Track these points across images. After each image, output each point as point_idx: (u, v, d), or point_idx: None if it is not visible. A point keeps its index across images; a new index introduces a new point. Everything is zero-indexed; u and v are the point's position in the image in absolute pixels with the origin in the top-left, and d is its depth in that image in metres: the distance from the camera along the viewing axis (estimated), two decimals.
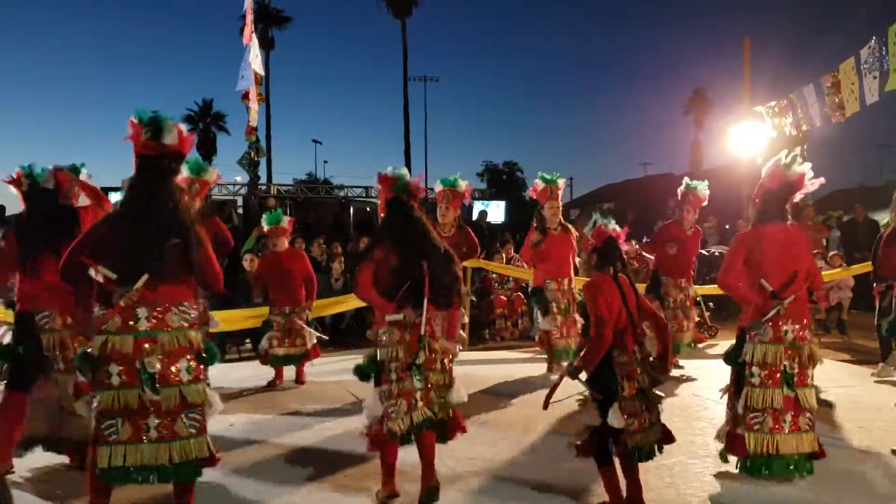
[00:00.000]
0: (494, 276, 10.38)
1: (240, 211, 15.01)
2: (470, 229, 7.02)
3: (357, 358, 8.21)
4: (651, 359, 3.73)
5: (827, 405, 5.72)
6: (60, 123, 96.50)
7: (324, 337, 7.27)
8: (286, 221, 7.05)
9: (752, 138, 10.51)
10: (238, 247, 9.76)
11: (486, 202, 18.15)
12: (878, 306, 6.53)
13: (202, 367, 3.48)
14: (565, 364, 4.03)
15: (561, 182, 7.25)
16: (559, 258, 7.10)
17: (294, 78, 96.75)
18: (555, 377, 3.80)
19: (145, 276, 3.29)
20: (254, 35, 10.16)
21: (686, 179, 7.39)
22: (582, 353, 3.72)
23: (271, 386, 6.88)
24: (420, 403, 3.72)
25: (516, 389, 6.71)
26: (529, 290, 7.68)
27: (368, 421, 3.84)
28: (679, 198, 7.39)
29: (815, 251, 5.10)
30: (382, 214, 4.17)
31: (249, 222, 12.77)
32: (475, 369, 7.39)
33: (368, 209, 19.35)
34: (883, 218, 8.30)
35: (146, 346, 3.30)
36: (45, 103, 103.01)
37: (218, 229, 6.47)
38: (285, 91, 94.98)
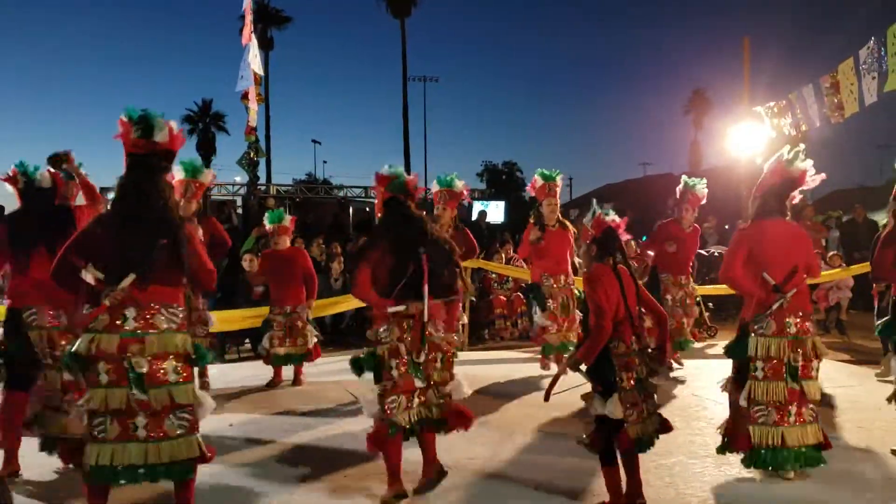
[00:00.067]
0: (494, 276, 10.38)
1: (239, 211, 15.01)
2: (468, 230, 7.03)
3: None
4: (649, 349, 3.73)
5: (827, 405, 5.72)
6: (60, 123, 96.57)
7: (320, 337, 7.27)
8: (288, 220, 7.05)
9: (752, 139, 10.52)
10: (237, 247, 9.77)
11: (485, 202, 18.19)
12: (877, 306, 6.54)
13: (190, 367, 3.46)
14: (559, 357, 4.06)
15: (559, 179, 7.26)
16: (557, 255, 7.11)
17: (293, 78, 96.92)
18: (546, 372, 3.82)
19: (132, 276, 3.28)
20: (253, 35, 10.16)
21: (685, 178, 7.40)
22: (582, 345, 3.73)
23: (271, 386, 6.88)
24: (417, 402, 3.72)
25: (516, 389, 6.71)
26: (527, 286, 7.69)
27: (371, 418, 3.83)
28: (678, 196, 7.40)
29: (814, 251, 5.10)
30: (380, 214, 4.16)
31: (249, 222, 12.77)
32: (475, 369, 7.38)
33: (368, 209, 19.35)
34: (882, 218, 8.30)
35: (132, 346, 3.29)
36: (45, 103, 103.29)
37: (215, 230, 6.49)
38: (285, 91, 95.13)
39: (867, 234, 11.26)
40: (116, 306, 3.31)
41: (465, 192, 6.86)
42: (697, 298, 7.39)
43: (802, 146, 4.33)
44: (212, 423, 5.42)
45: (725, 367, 4.64)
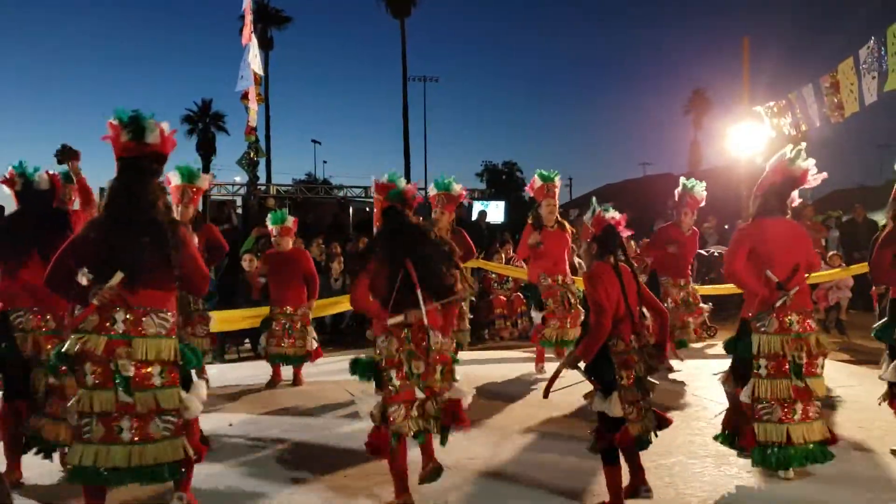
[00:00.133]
0: (494, 276, 10.38)
1: (239, 211, 14.98)
2: (465, 232, 7.04)
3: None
4: (648, 347, 3.73)
5: (826, 405, 5.71)
6: (60, 123, 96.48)
7: (317, 340, 7.26)
8: (291, 221, 7.05)
9: (752, 139, 10.53)
10: (237, 247, 9.78)
11: (485, 202, 18.13)
12: (877, 308, 6.54)
13: (177, 371, 3.43)
14: (560, 352, 4.02)
15: (558, 180, 7.26)
16: (555, 255, 7.12)
17: (293, 78, 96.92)
18: (541, 375, 3.80)
19: (120, 274, 3.28)
20: (253, 35, 10.16)
21: (683, 180, 7.40)
22: (581, 342, 3.73)
23: (270, 385, 6.88)
24: (416, 413, 3.68)
25: (516, 389, 6.71)
26: (525, 285, 7.69)
27: (364, 416, 3.81)
28: (676, 199, 7.41)
29: (814, 249, 5.12)
30: (378, 223, 4.15)
31: (248, 222, 12.76)
32: (475, 369, 7.38)
33: (368, 209, 19.30)
34: (882, 219, 8.29)
35: (119, 349, 3.29)
36: (45, 103, 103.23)
37: (212, 235, 6.49)
38: (285, 91, 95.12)
39: (867, 233, 11.26)
40: (106, 308, 3.30)
41: (462, 195, 6.85)
42: (697, 295, 7.39)
43: (804, 145, 4.34)
44: (212, 423, 5.43)
45: (725, 367, 4.64)
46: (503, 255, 10.52)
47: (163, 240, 3.39)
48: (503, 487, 4.15)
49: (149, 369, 3.33)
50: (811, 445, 4.06)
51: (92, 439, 3.26)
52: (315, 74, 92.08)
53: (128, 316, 3.34)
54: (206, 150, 43.60)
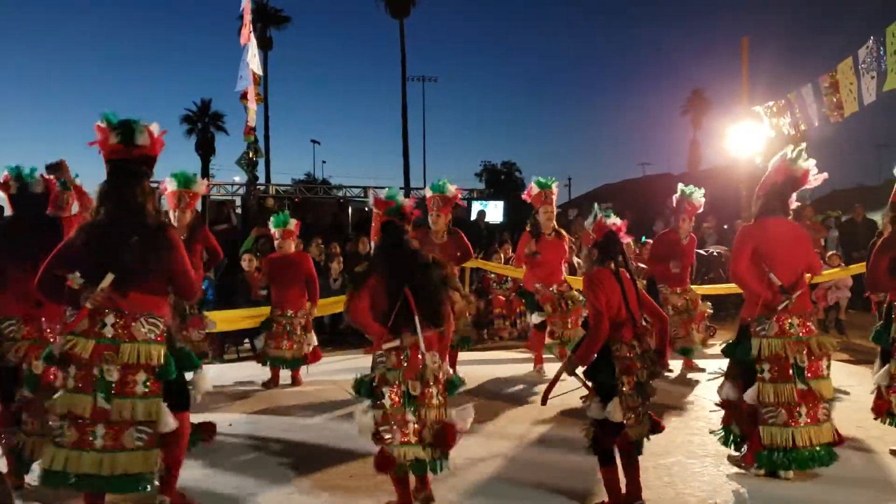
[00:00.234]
0: (493, 276, 10.37)
1: (238, 211, 14.98)
2: (462, 233, 7.01)
3: (356, 358, 8.26)
4: (650, 352, 3.74)
5: None
6: (60, 123, 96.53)
7: (314, 343, 7.26)
8: (293, 224, 7.04)
9: (751, 138, 10.52)
10: (237, 247, 9.77)
11: (484, 202, 18.11)
12: (876, 311, 6.55)
13: (159, 383, 3.39)
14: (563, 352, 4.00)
15: (555, 187, 7.24)
16: (551, 264, 7.10)
17: (293, 78, 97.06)
18: (538, 374, 3.78)
19: (110, 277, 3.27)
20: (252, 35, 10.16)
21: (681, 186, 7.40)
22: (579, 347, 3.73)
23: (267, 386, 6.87)
24: (415, 439, 3.59)
25: (515, 389, 6.72)
26: (520, 291, 7.68)
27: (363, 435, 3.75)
28: (674, 205, 7.41)
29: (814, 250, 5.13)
30: (376, 238, 4.14)
31: (248, 222, 12.76)
32: (474, 369, 7.38)
33: (367, 209, 19.31)
34: (880, 220, 8.29)
35: (106, 353, 3.27)
36: (45, 103, 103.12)
37: (207, 241, 6.48)
38: (284, 91, 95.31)
39: (866, 233, 11.27)
40: (97, 311, 3.29)
41: (457, 196, 6.81)
42: (699, 299, 7.40)
43: (804, 145, 4.35)
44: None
45: (719, 367, 4.65)
46: (502, 255, 10.52)
47: (152, 242, 3.38)
48: (503, 487, 4.15)
49: (133, 376, 3.30)
50: (818, 448, 4.06)
51: (64, 443, 3.24)
52: (314, 74, 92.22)
53: (117, 320, 3.33)
54: (206, 150, 43.62)
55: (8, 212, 4.51)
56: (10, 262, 4.05)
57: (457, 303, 3.88)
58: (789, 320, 4.13)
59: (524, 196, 7.41)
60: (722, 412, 4.54)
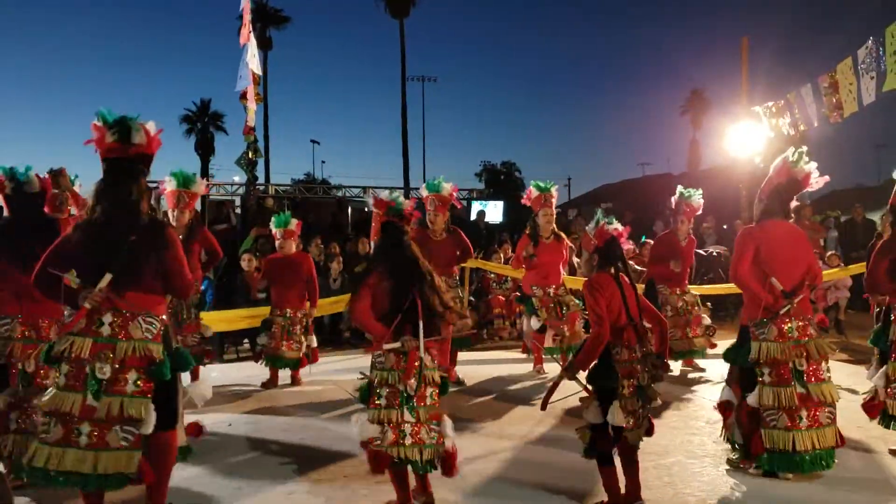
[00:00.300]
0: (492, 276, 10.37)
1: (238, 211, 14.97)
2: (461, 231, 7.01)
3: (356, 358, 8.25)
4: (652, 356, 3.74)
5: None
6: (60, 123, 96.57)
7: (313, 344, 7.26)
8: (294, 224, 7.03)
9: (750, 138, 10.53)
10: (236, 247, 9.77)
11: (484, 202, 18.11)
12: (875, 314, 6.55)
13: (150, 383, 3.37)
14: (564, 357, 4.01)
15: (555, 190, 7.24)
16: (549, 267, 7.10)
17: (292, 78, 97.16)
18: (538, 376, 3.77)
19: (108, 276, 3.27)
20: (252, 35, 10.16)
21: (680, 188, 7.40)
22: (579, 352, 3.73)
23: (266, 387, 6.86)
24: (410, 441, 3.62)
25: (515, 389, 6.72)
26: (519, 294, 7.67)
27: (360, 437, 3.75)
28: (673, 207, 7.41)
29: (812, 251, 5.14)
30: (375, 238, 4.15)
31: (247, 222, 12.75)
32: (473, 369, 7.39)
33: (366, 209, 19.31)
34: (878, 220, 8.30)
35: (101, 352, 3.27)
36: (45, 103, 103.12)
37: (206, 241, 6.48)
38: (283, 91, 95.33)
39: (865, 234, 11.29)
40: (94, 310, 3.29)
41: (452, 196, 6.81)
42: (698, 302, 7.40)
43: (805, 148, 4.35)
44: (210, 423, 5.41)
45: (724, 367, 4.65)
46: (502, 255, 10.51)
47: (149, 241, 3.38)
48: (503, 487, 4.15)
49: (125, 374, 3.29)
50: (819, 452, 4.06)
51: (48, 440, 3.23)
52: (314, 74, 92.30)
53: (115, 319, 3.32)
54: (205, 150, 43.63)
55: (5, 212, 4.51)
56: (6, 261, 4.05)
57: (454, 310, 3.91)
58: (789, 324, 4.13)
59: (524, 199, 7.42)
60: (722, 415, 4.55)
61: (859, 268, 8.36)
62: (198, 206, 7.55)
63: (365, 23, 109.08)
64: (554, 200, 7.24)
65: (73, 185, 4.65)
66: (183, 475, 4.18)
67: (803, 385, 4.08)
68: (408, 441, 3.61)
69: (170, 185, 6.18)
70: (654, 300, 7.06)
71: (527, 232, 7.21)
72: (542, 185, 7.15)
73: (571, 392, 3.80)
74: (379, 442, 3.60)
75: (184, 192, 6.15)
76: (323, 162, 71.08)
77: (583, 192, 44.67)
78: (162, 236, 3.45)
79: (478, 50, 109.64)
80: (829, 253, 10.48)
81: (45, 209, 4.39)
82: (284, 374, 7.01)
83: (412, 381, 3.64)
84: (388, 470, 3.70)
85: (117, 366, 3.29)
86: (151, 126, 3.50)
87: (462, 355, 7.16)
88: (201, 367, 6.82)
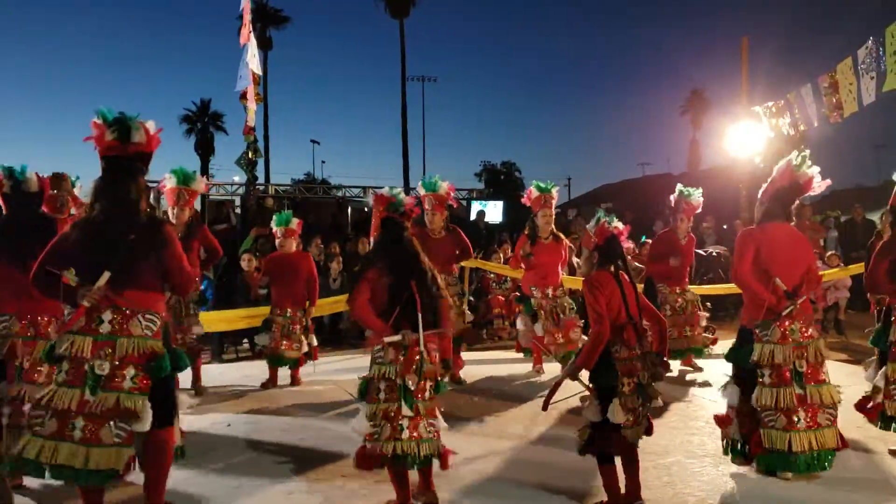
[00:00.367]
0: (492, 275, 10.37)
1: (238, 211, 14.97)
2: (460, 230, 7.01)
3: (355, 358, 8.26)
4: (651, 354, 3.74)
5: None
6: (60, 123, 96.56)
7: (313, 343, 7.26)
8: (295, 223, 7.03)
9: (750, 138, 10.54)
10: (236, 246, 9.76)
11: (483, 202, 18.11)
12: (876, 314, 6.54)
13: (147, 379, 3.37)
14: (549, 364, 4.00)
15: (555, 191, 7.24)
16: (547, 268, 7.10)
17: (292, 78, 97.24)
18: (537, 376, 3.77)
19: (107, 274, 3.27)
20: (252, 35, 10.16)
21: (679, 186, 7.41)
22: (580, 350, 3.74)
23: (265, 387, 6.85)
24: (407, 434, 3.62)
25: (514, 389, 6.72)
26: (518, 295, 7.67)
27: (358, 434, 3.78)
28: (672, 205, 7.41)
29: (812, 251, 5.14)
30: (375, 234, 4.16)
31: (247, 222, 12.76)
32: (473, 369, 7.39)
33: (366, 209, 19.30)
34: (878, 221, 8.31)
35: (102, 350, 3.28)
36: (45, 103, 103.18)
37: (206, 239, 6.47)
38: (283, 91, 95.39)
39: (865, 234, 11.28)
40: (94, 308, 3.29)
41: (449, 195, 6.79)
42: (697, 302, 7.40)
43: (808, 152, 4.35)
44: (209, 423, 5.43)
45: (724, 367, 4.65)
46: (501, 255, 10.51)
47: (147, 239, 3.38)
48: (503, 487, 4.15)
49: (122, 371, 3.30)
50: (816, 453, 4.05)
51: (42, 433, 3.23)
52: (314, 74, 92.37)
53: (115, 316, 3.33)
54: (205, 150, 43.64)
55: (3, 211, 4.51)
56: (5, 260, 4.05)
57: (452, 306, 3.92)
58: (792, 325, 4.13)
59: (523, 199, 7.42)
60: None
61: (859, 268, 8.35)
62: (197, 205, 7.55)
63: (365, 23, 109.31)
64: (554, 201, 7.24)
65: (74, 185, 4.66)
66: (182, 475, 4.18)
67: (802, 386, 4.08)
68: (405, 435, 3.62)
69: (170, 183, 6.17)
70: (653, 299, 7.07)
71: (525, 232, 7.22)
72: (542, 185, 7.15)
73: (573, 392, 3.80)
74: (376, 436, 3.61)
75: (184, 190, 6.15)
76: (323, 162, 71.22)
77: (583, 192, 44.69)
78: (160, 234, 3.45)
79: (478, 50, 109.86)
80: (829, 253, 10.48)
81: (45, 209, 4.40)
82: (284, 375, 7.01)
83: (413, 376, 3.65)
84: (388, 469, 3.71)
85: (117, 362, 3.30)
86: (151, 125, 3.50)
87: (462, 355, 7.15)
88: (202, 367, 6.84)
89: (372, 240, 4.26)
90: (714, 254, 11.43)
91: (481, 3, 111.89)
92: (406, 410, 3.63)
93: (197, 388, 6.45)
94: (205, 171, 38.56)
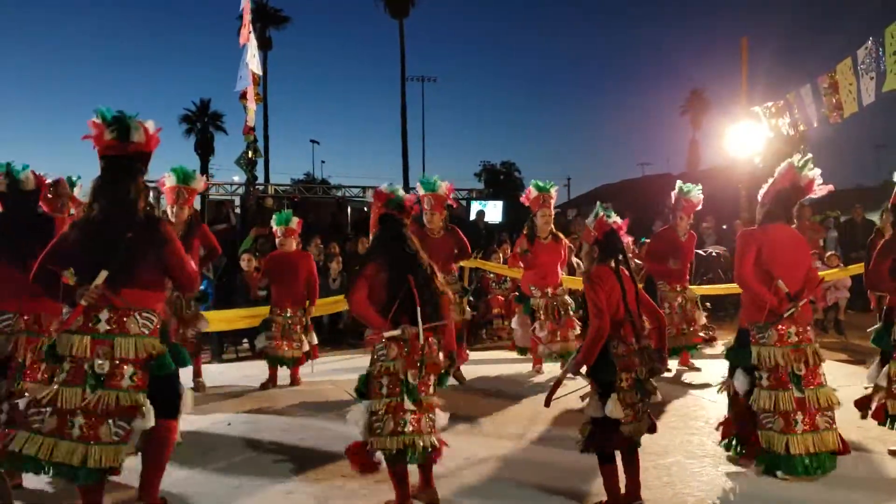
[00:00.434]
0: (492, 275, 10.37)
1: (237, 211, 14.98)
2: (458, 230, 7.00)
3: (354, 358, 8.25)
4: (649, 350, 3.74)
5: None
6: (60, 123, 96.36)
7: (313, 342, 7.26)
8: (295, 222, 7.02)
9: (750, 139, 10.53)
10: (236, 246, 9.77)
11: (483, 202, 18.12)
12: (878, 314, 6.54)
13: (146, 377, 3.38)
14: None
15: (554, 191, 7.24)
16: (546, 267, 7.10)
17: (292, 78, 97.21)
18: (537, 375, 3.77)
19: (104, 273, 3.27)
20: (251, 35, 10.16)
21: (679, 183, 7.40)
22: (581, 346, 3.74)
23: (265, 387, 6.84)
24: (410, 428, 3.63)
25: (514, 389, 6.72)
26: (518, 295, 7.68)
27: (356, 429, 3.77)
28: (672, 203, 7.40)
29: (812, 251, 5.15)
30: (374, 230, 4.16)
31: (247, 222, 12.76)
32: (473, 369, 7.39)
33: (366, 209, 19.32)
34: (877, 220, 8.32)
35: (100, 349, 3.28)
36: (45, 103, 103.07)
37: (206, 238, 6.48)
38: (283, 91, 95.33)
39: (865, 234, 11.24)
40: (91, 308, 3.29)
41: (449, 195, 6.79)
42: (697, 301, 7.40)
43: (811, 155, 4.35)
44: (209, 423, 5.43)
45: (723, 367, 4.65)
46: (501, 255, 10.50)
47: (146, 238, 3.38)
48: (503, 487, 4.15)
49: (121, 369, 3.30)
50: (813, 455, 4.05)
51: (41, 430, 3.23)
52: (313, 74, 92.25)
53: (112, 315, 3.33)
54: (205, 150, 43.65)
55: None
56: (5, 260, 4.05)
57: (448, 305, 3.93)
58: (789, 328, 4.13)
59: (522, 199, 7.42)
60: (722, 418, 4.55)
61: (859, 268, 8.35)
62: (197, 205, 7.55)
63: (365, 23, 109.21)
64: (552, 201, 7.23)
65: (74, 185, 4.66)
66: (181, 474, 4.19)
67: (800, 389, 4.08)
68: (408, 429, 3.63)
69: (169, 181, 6.17)
70: (652, 296, 7.07)
71: (524, 232, 7.22)
72: (541, 184, 7.14)
73: (574, 389, 3.81)
74: (379, 431, 3.61)
75: (183, 188, 6.15)
76: (322, 162, 71.15)
77: (582, 192, 44.66)
78: (159, 232, 3.45)
79: (478, 50, 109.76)
80: (829, 253, 10.48)
81: (45, 209, 4.40)
82: (283, 375, 7.01)
83: (415, 370, 3.65)
84: (388, 468, 3.71)
85: (116, 361, 3.30)
86: (150, 124, 3.50)
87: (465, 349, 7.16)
88: (202, 366, 6.84)
89: (371, 236, 4.26)
90: (714, 254, 11.43)
91: (481, 3, 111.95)
92: (409, 405, 3.64)
93: (197, 383, 6.46)
94: (204, 170, 38.54)
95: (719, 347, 5.77)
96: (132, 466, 3.49)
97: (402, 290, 3.72)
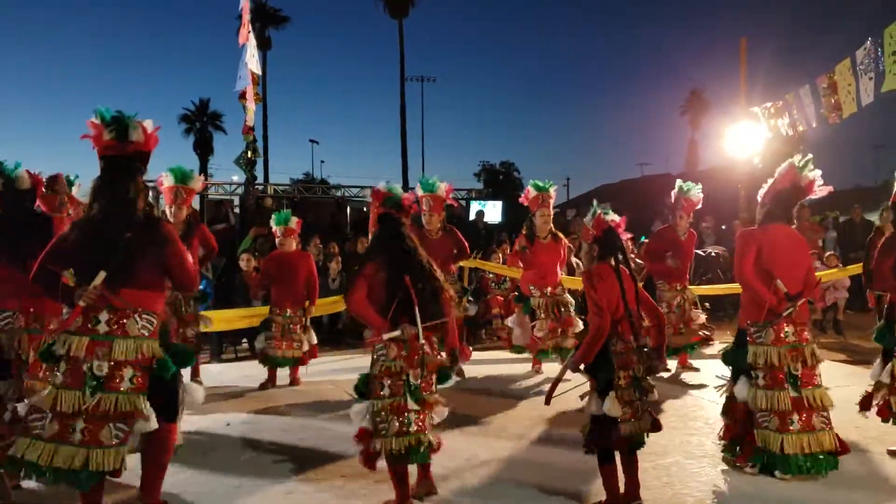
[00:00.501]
0: (491, 276, 10.36)
1: (236, 210, 14.98)
2: (456, 230, 7.01)
3: (354, 358, 8.25)
4: (647, 348, 3.75)
5: None
6: (60, 123, 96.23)
7: (312, 341, 7.27)
8: (294, 222, 7.02)
9: (749, 139, 10.55)
10: (235, 246, 9.77)
11: (482, 202, 18.12)
12: (878, 313, 6.55)
13: (146, 378, 3.38)
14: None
15: (553, 191, 7.24)
16: (545, 267, 7.10)
17: (291, 78, 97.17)
18: (536, 375, 3.77)
19: (103, 274, 3.27)
20: (251, 35, 10.15)
21: (679, 182, 7.40)
22: (581, 344, 3.74)
23: (264, 387, 6.84)
24: (414, 427, 3.64)
25: (514, 389, 6.72)
26: (517, 295, 7.69)
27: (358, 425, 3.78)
28: (672, 202, 7.40)
29: (811, 251, 5.15)
30: (373, 229, 4.16)
31: (246, 222, 12.76)
32: (472, 369, 7.39)
33: (365, 209, 19.32)
34: (876, 220, 8.32)
35: (99, 350, 3.28)
36: (45, 103, 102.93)
37: (204, 238, 6.48)
38: (283, 91, 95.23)
39: (864, 234, 11.25)
40: (91, 308, 3.29)
41: (448, 196, 6.78)
42: (695, 301, 7.41)
43: (811, 155, 4.35)
44: (208, 423, 5.43)
45: (720, 368, 4.65)
46: (500, 255, 10.50)
47: (145, 238, 3.38)
48: (502, 487, 4.15)
49: (121, 371, 3.30)
50: (811, 455, 4.05)
51: (42, 435, 3.23)
52: (313, 74, 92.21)
53: (111, 316, 3.33)
54: (204, 150, 43.62)
55: None
56: (4, 259, 4.04)
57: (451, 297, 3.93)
58: (787, 328, 4.14)
59: (521, 199, 7.42)
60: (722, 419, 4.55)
61: (858, 268, 8.35)
62: (196, 205, 7.55)
63: (364, 23, 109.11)
64: (551, 201, 7.23)
65: (73, 185, 4.66)
66: (180, 474, 4.19)
67: (797, 389, 4.09)
68: (413, 428, 3.64)
69: (167, 181, 6.18)
70: (652, 295, 7.07)
71: (523, 232, 7.22)
72: (540, 184, 7.14)
73: (574, 386, 3.81)
74: (384, 432, 3.61)
75: (181, 188, 6.15)
76: (322, 162, 71.04)
77: (582, 192, 44.70)
78: (159, 232, 3.45)
79: (477, 50, 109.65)
80: (828, 253, 10.48)
81: (44, 208, 4.40)
82: (283, 374, 7.01)
83: (417, 370, 3.66)
84: (389, 468, 3.72)
85: (114, 363, 3.30)
86: (149, 124, 3.50)
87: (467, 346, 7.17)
88: (202, 366, 6.85)
89: (370, 235, 4.27)
90: (713, 254, 11.44)
91: (481, 3, 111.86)
92: (412, 405, 3.65)
93: (195, 382, 6.45)
94: (203, 170, 38.55)
95: (717, 347, 5.79)
96: (132, 467, 3.49)
97: (402, 290, 3.72)
